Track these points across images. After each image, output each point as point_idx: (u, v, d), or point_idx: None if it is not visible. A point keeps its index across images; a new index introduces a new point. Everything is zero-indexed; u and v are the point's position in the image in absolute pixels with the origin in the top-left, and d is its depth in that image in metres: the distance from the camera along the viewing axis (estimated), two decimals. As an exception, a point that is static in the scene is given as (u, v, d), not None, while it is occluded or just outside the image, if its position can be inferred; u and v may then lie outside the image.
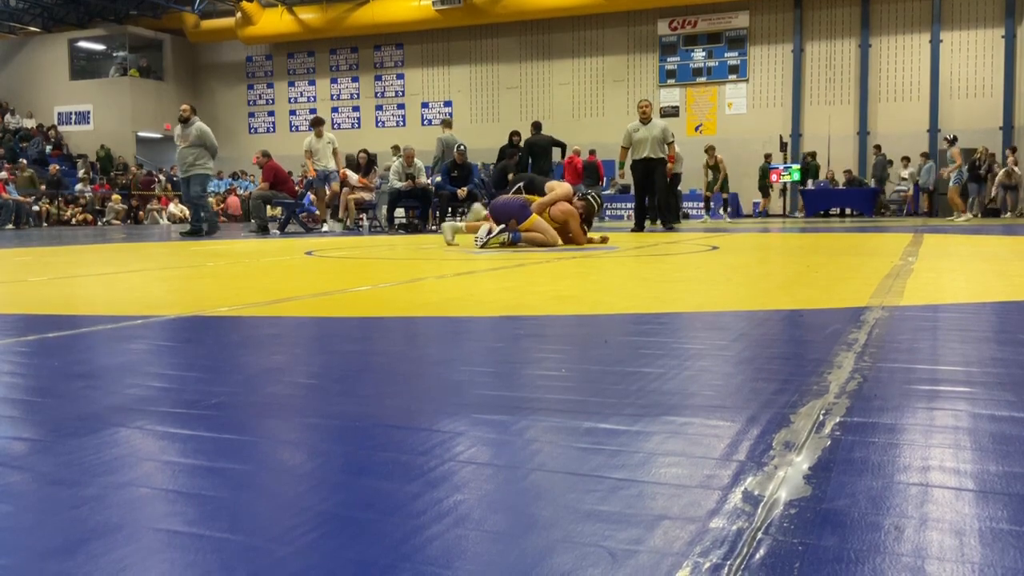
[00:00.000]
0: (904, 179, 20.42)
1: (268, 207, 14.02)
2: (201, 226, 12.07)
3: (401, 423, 1.43)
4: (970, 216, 16.53)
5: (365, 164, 14.52)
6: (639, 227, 11.36)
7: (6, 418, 1.52)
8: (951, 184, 16.36)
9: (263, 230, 13.09)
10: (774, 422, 1.37)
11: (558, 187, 7.65)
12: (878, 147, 20.97)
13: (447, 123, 14.92)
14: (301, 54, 27.89)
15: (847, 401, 1.51)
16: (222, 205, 24.09)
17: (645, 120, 11.10)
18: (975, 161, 17.81)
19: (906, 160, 20.49)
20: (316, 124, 13.77)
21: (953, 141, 16.40)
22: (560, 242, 7.25)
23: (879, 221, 16.02)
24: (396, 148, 15.77)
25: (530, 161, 12.87)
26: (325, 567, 0.84)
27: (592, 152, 18.84)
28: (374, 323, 2.86)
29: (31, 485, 1.13)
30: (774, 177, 20.58)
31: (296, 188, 14.83)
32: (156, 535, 0.94)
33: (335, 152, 13.61)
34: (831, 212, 20.26)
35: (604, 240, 7.66)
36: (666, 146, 11.27)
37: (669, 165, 11.82)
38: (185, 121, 11.51)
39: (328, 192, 13.76)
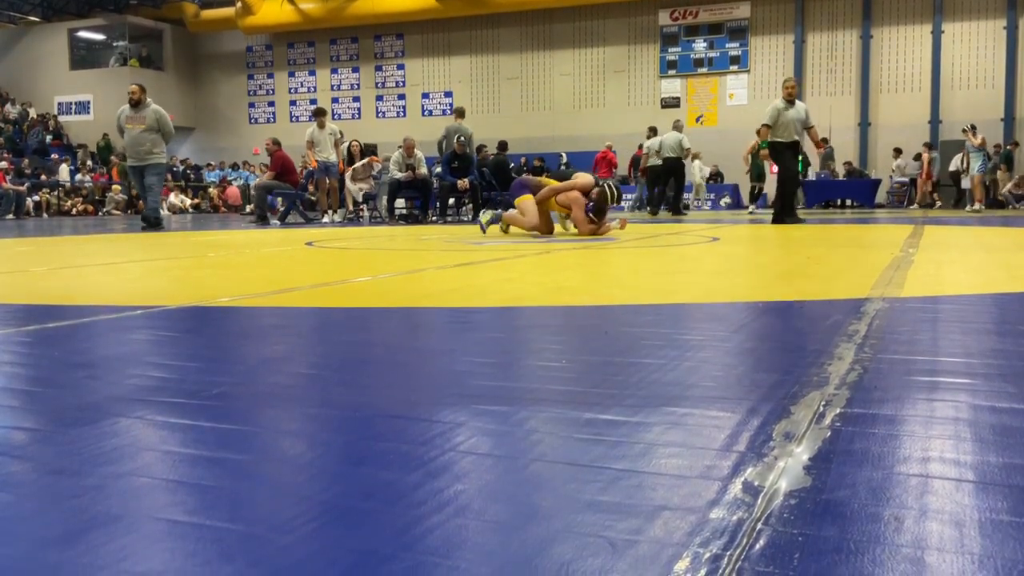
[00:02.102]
0: (893, 171, 20.42)
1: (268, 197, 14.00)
2: (160, 216, 10.93)
3: (401, 413, 1.43)
4: (981, 208, 16.49)
5: (359, 154, 14.49)
6: (781, 218, 10.42)
7: (7, 408, 1.52)
8: (975, 172, 16.32)
9: (262, 219, 13.09)
10: (774, 413, 1.37)
11: (580, 177, 7.69)
12: (825, 139, 21.01)
13: (459, 112, 14.69)
14: (301, 44, 27.82)
15: (847, 392, 1.51)
16: (222, 195, 24.11)
17: (790, 101, 10.31)
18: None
19: (897, 151, 20.46)
20: (318, 115, 13.69)
21: (973, 130, 16.36)
22: (536, 226, 7.31)
23: (877, 212, 15.99)
24: (341, 133, 15.98)
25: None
26: (326, 556, 0.84)
27: (640, 147, 18.94)
28: (374, 313, 2.86)
29: (32, 475, 1.13)
30: (774, 169, 20.53)
31: (299, 179, 14.80)
32: (156, 525, 0.94)
33: (337, 144, 13.54)
34: (831, 203, 20.23)
35: (622, 226, 7.63)
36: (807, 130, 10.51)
37: (819, 149, 11.44)
38: (136, 104, 10.33)
39: (327, 184, 13.72)
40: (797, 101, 10.39)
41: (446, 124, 14.52)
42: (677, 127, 15.88)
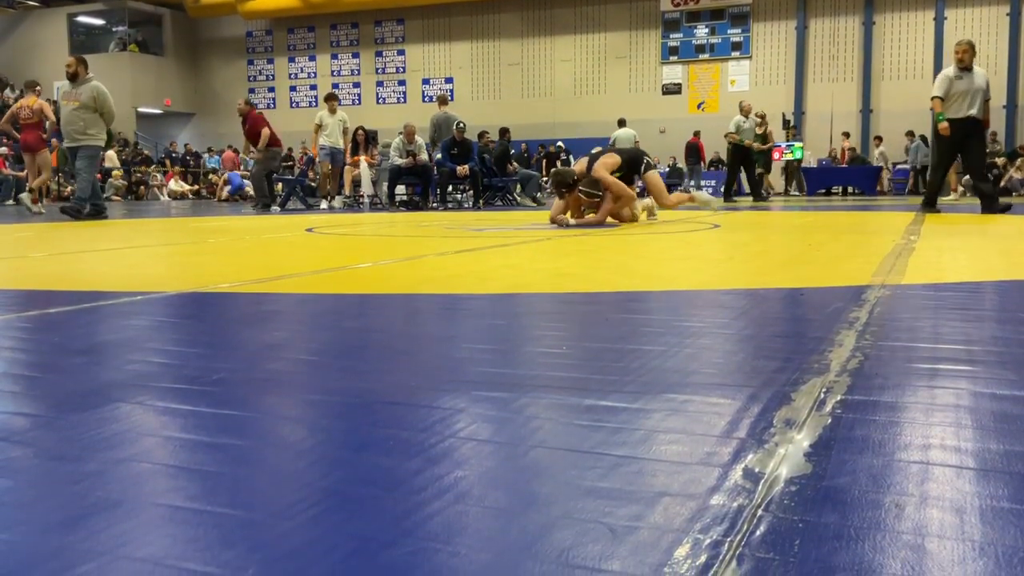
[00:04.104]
0: (876, 158, 20.47)
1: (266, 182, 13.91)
2: (82, 205, 9.43)
3: (402, 400, 1.43)
4: (956, 197, 16.39)
5: (363, 142, 14.46)
6: (931, 204, 8.89)
7: (7, 393, 1.52)
8: None
9: (265, 207, 13.07)
10: (775, 400, 1.37)
11: (582, 164, 7.44)
12: (788, 123, 21.19)
13: (442, 100, 14.82)
14: (301, 29, 27.73)
15: (848, 379, 1.51)
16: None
17: (965, 68, 8.54)
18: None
19: (878, 140, 20.42)
20: (329, 99, 13.63)
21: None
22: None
23: (878, 200, 15.96)
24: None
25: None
26: (326, 542, 0.84)
27: (696, 133, 19.31)
28: (375, 300, 2.86)
29: (32, 460, 1.13)
30: (776, 155, 20.51)
31: (297, 166, 14.76)
32: (157, 510, 0.94)
33: (345, 131, 13.47)
34: (832, 191, 20.20)
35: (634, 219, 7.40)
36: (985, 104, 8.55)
37: (986, 128, 9.08)
38: (73, 78, 9.29)
39: (331, 170, 13.67)
40: (975, 68, 8.60)
41: (431, 115, 14.55)
42: (621, 123, 17.47)
